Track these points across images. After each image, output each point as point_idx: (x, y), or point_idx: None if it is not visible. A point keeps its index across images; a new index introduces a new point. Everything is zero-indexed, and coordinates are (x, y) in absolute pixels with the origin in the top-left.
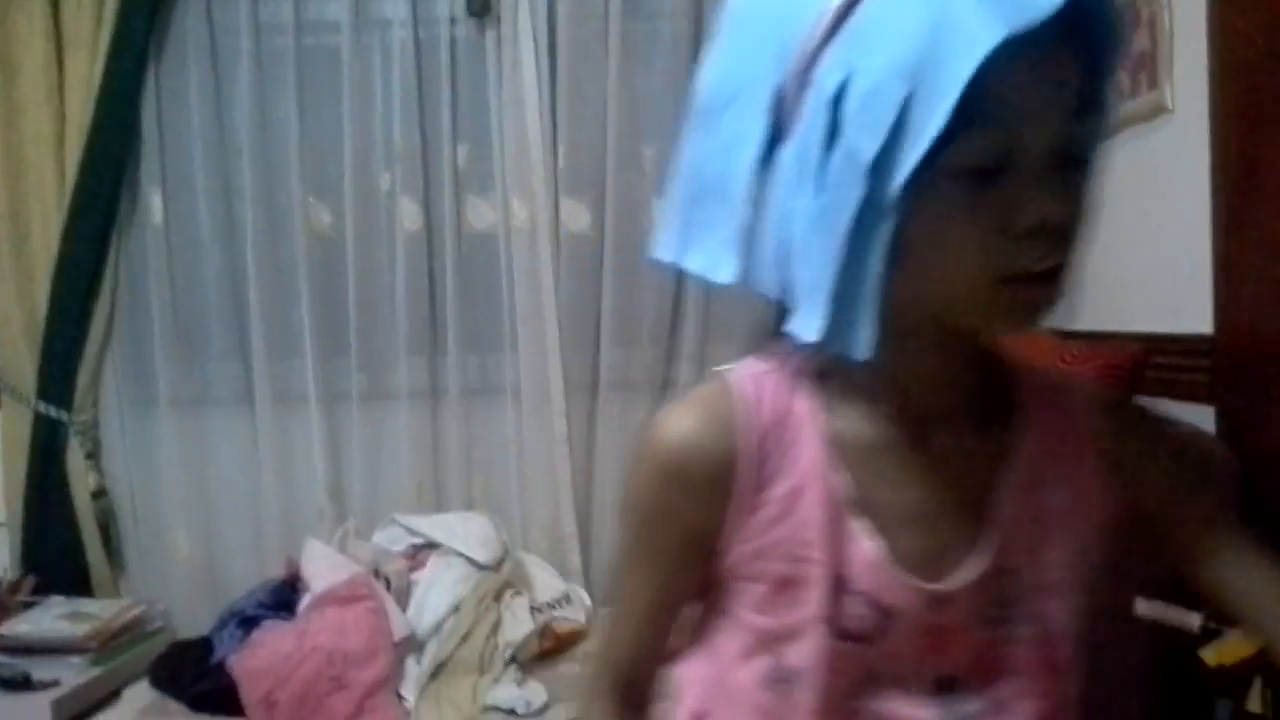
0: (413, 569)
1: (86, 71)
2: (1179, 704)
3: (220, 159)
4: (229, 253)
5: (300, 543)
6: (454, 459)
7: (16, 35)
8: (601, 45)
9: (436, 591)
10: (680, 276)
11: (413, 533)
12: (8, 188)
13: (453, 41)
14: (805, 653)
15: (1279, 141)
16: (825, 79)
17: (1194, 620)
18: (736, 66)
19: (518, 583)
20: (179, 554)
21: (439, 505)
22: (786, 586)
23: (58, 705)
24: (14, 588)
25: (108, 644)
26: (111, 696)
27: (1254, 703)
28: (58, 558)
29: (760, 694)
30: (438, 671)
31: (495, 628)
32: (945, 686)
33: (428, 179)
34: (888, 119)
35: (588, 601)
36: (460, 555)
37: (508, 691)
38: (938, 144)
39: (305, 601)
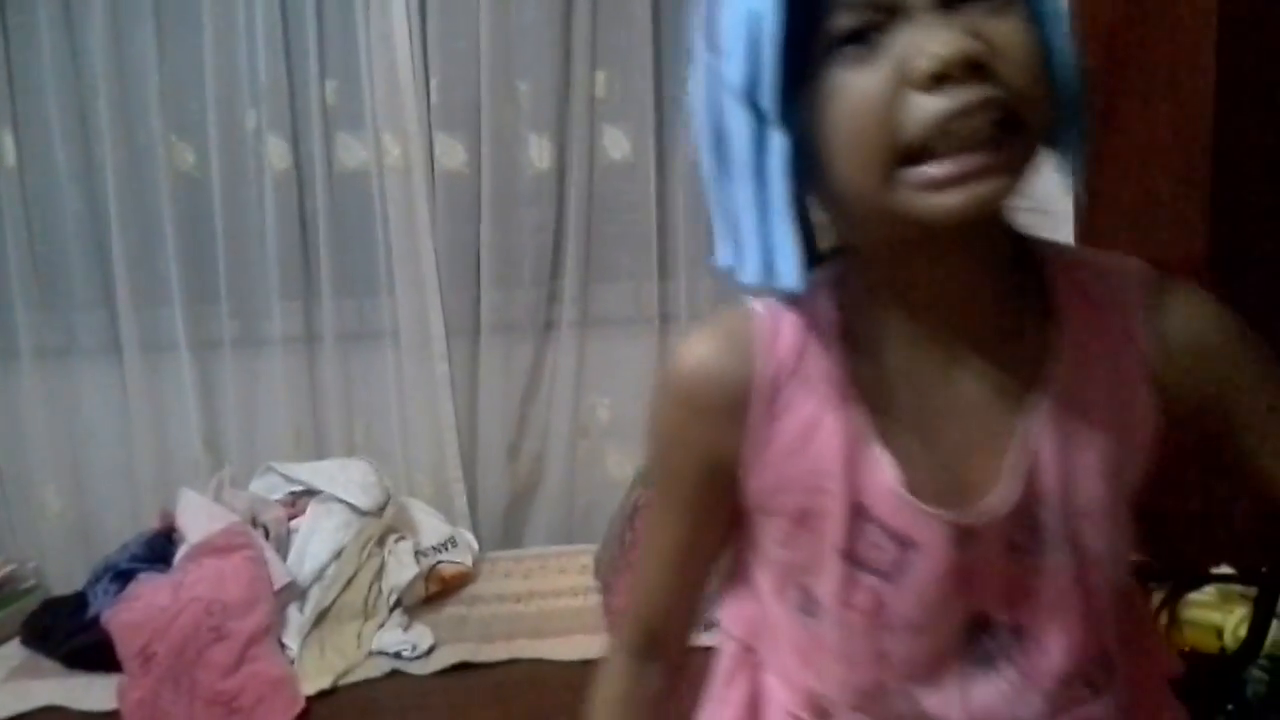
0: (292, 517)
1: None
2: None
3: (76, 97)
4: (89, 195)
5: (175, 495)
6: (333, 405)
7: None
8: None
9: (317, 538)
10: (560, 214)
11: (290, 480)
12: None
13: None
14: (825, 586)
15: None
16: (716, 31)
17: None
18: None
19: (401, 527)
20: (49, 510)
21: (319, 453)
22: (806, 519)
23: None
24: None
25: None
26: None
27: None
28: None
29: (796, 625)
30: (320, 619)
31: (379, 573)
32: (977, 626)
33: (295, 116)
34: (742, 43)
35: (474, 545)
36: (341, 501)
37: (393, 636)
38: (813, 23)
39: (181, 553)
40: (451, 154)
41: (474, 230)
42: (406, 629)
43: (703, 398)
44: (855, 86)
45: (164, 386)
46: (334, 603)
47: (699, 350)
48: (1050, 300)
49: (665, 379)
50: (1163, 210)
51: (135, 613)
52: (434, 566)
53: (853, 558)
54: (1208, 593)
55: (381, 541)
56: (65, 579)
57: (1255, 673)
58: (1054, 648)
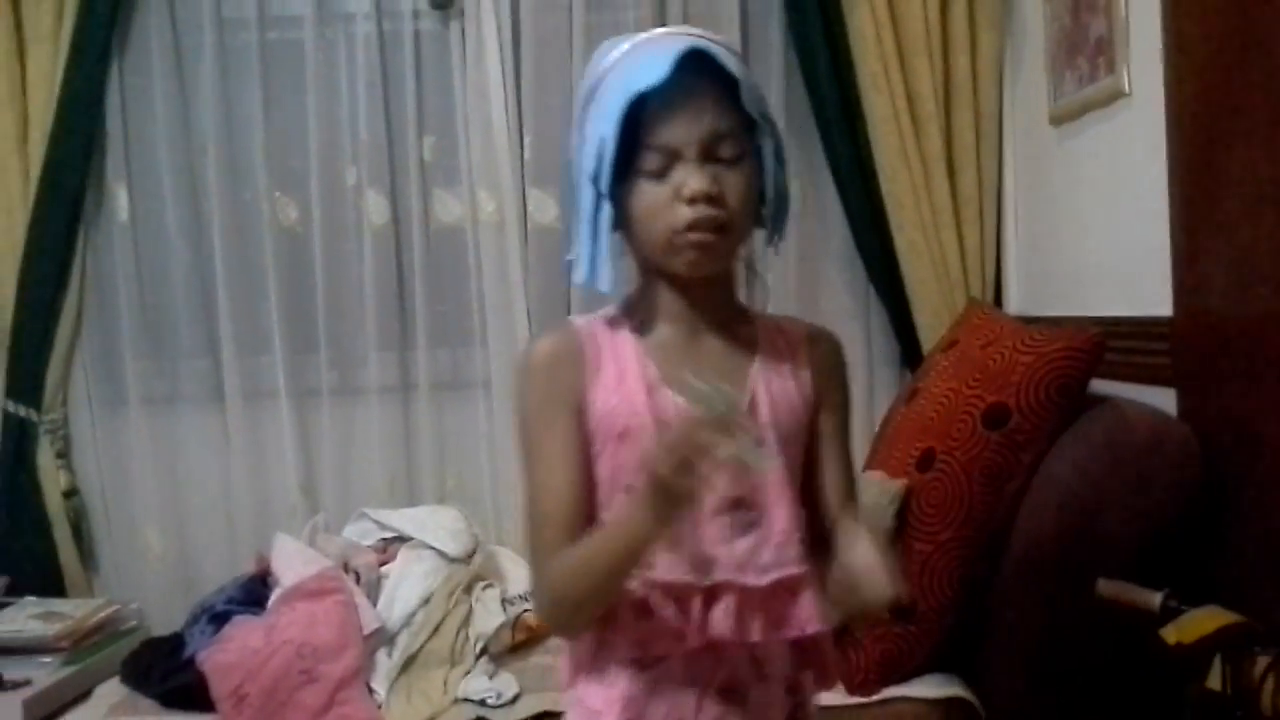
0: (383, 562)
1: (49, 68)
2: (1141, 684)
3: (186, 155)
4: (196, 249)
5: (272, 539)
6: (426, 453)
7: None
8: (565, 36)
9: (407, 584)
10: None
11: (382, 526)
12: None
13: (417, 35)
14: (641, 480)
15: (1235, 126)
16: (585, 132)
17: (1155, 599)
18: None
19: (489, 575)
20: (152, 552)
21: (411, 499)
22: (626, 435)
23: (29, 705)
24: None
25: (80, 643)
26: (84, 695)
27: (1214, 680)
28: (30, 558)
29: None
30: (408, 664)
31: (466, 620)
32: (735, 504)
33: (394, 172)
34: (594, 152)
35: None
36: (430, 548)
37: (479, 683)
38: (630, 158)
39: (275, 596)
40: (544, 209)
41: (565, 283)
42: (492, 677)
43: (554, 362)
44: (652, 194)
45: (264, 433)
46: (421, 649)
47: (545, 340)
48: (754, 323)
49: (526, 362)
50: (1262, 264)
51: (229, 654)
52: (520, 615)
53: None
54: None
55: (469, 588)
56: (165, 620)
57: None
58: (777, 520)
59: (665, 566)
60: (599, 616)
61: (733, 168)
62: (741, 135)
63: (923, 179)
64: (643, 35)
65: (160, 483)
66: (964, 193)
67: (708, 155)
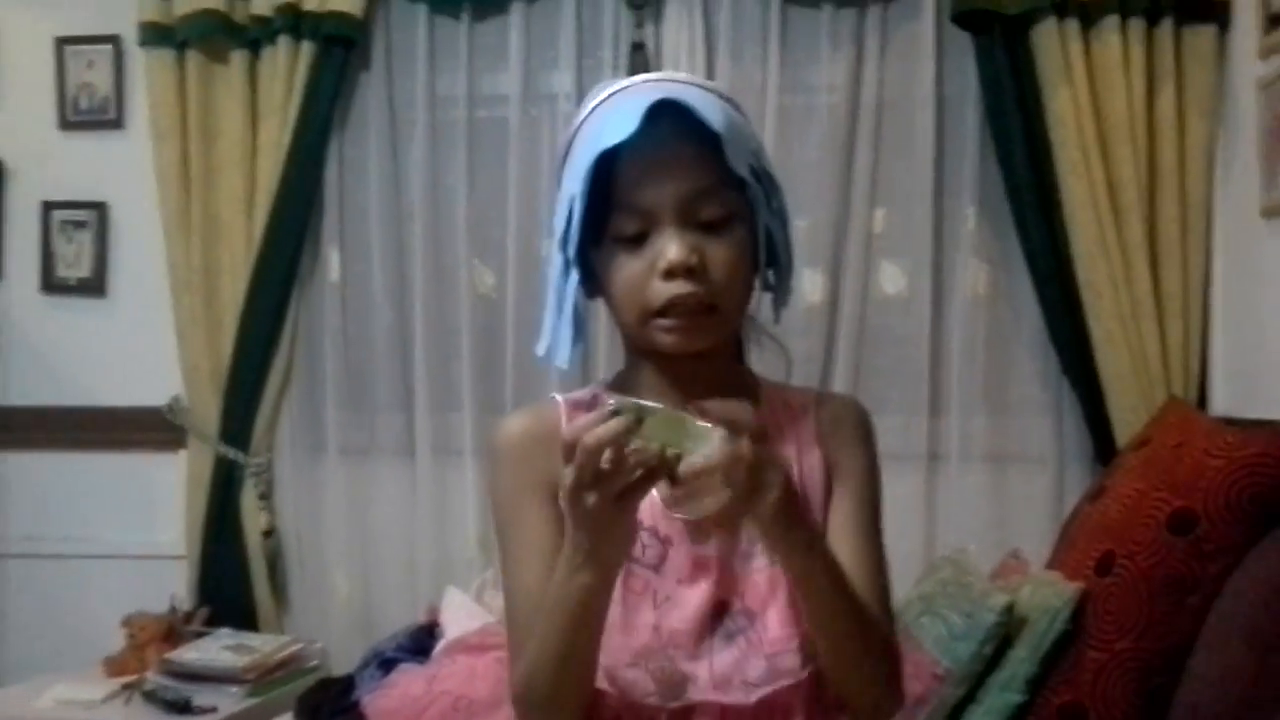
0: None
1: (277, 138)
2: None
3: (394, 222)
4: (398, 310)
5: (445, 590)
6: None
7: (218, 104)
8: (759, 119)
9: None
10: (830, 346)
11: None
12: (204, 244)
13: None
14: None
15: None
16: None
17: None
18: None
19: None
20: (339, 594)
21: None
22: None
23: None
24: (188, 617)
25: (264, 677)
26: None
27: None
28: (229, 592)
29: None
30: None
31: None
32: (721, 610)
33: None
34: (564, 213)
35: None
36: None
37: None
38: (602, 223)
39: (439, 647)
40: None
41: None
42: None
43: (525, 444)
44: (628, 266)
45: (449, 488)
46: None
47: (516, 420)
48: (757, 396)
49: (497, 444)
50: None
51: (391, 700)
52: None
53: (630, 555)
54: None
55: None
56: (345, 660)
57: None
58: (772, 624)
59: (627, 683)
60: None
61: (718, 233)
62: (729, 194)
63: (1122, 269)
64: (624, 82)
65: (351, 529)
66: (1167, 285)
67: (687, 219)
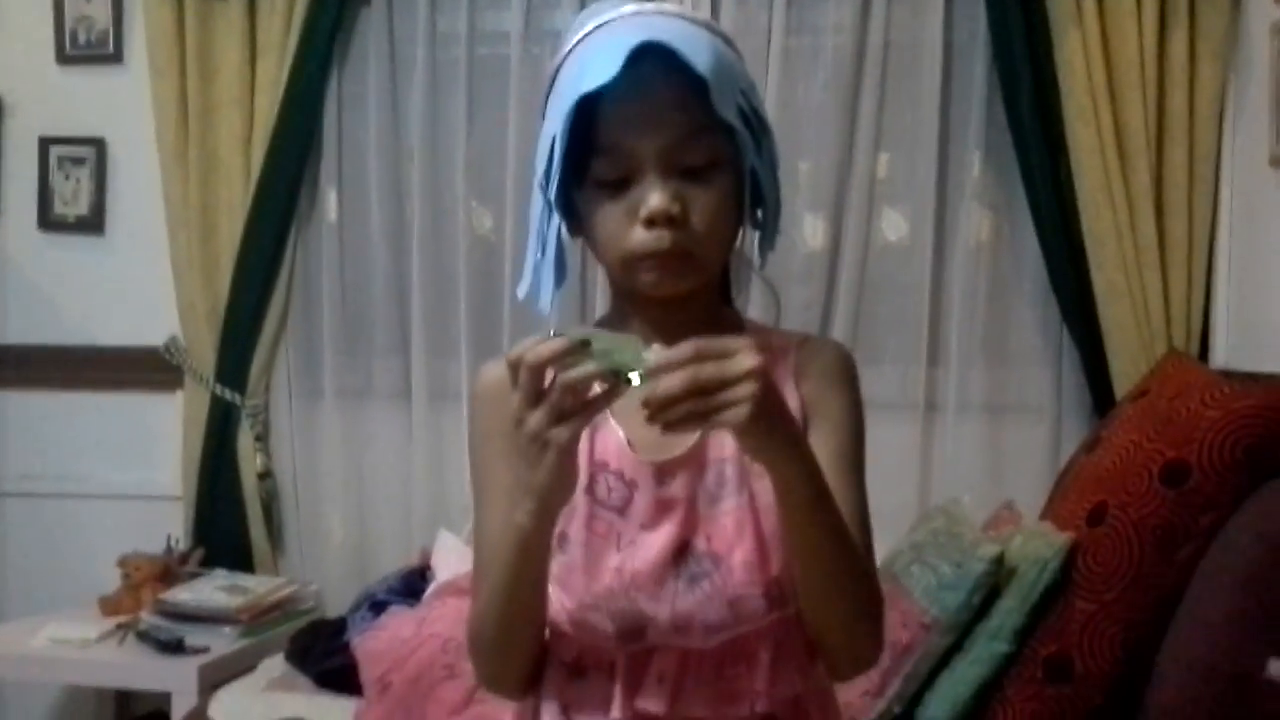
0: None
1: (275, 75)
2: None
3: (393, 161)
4: (396, 252)
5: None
6: None
7: (215, 40)
8: (763, 60)
9: None
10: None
11: None
12: (200, 183)
13: None
14: (576, 522)
15: None
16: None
17: None
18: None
19: None
20: (333, 537)
21: None
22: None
23: (204, 670)
24: (184, 558)
25: (258, 618)
26: (251, 667)
27: None
28: (225, 533)
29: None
30: None
31: None
32: (683, 551)
33: None
34: (544, 153)
35: None
36: None
37: None
38: (583, 165)
39: (430, 590)
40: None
41: (743, 305)
42: None
43: (501, 392)
44: (609, 211)
45: (445, 432)
46: None
47: (495, 367)
48: (740, 334)
49: (475, 390)
50: None
51: (380, 642)
52: None
53: (594, 497)
54: None
55: None
56: (340, 603)
57: None
58: (737, 568)
59: (588, 625)
60: (527, 676)
61: (701, 179)
62: (716, 138)
63: (1127, 218)
64: (609, 14)
65: (346, 472)
66: (1172, 235)
67: (670, 165)
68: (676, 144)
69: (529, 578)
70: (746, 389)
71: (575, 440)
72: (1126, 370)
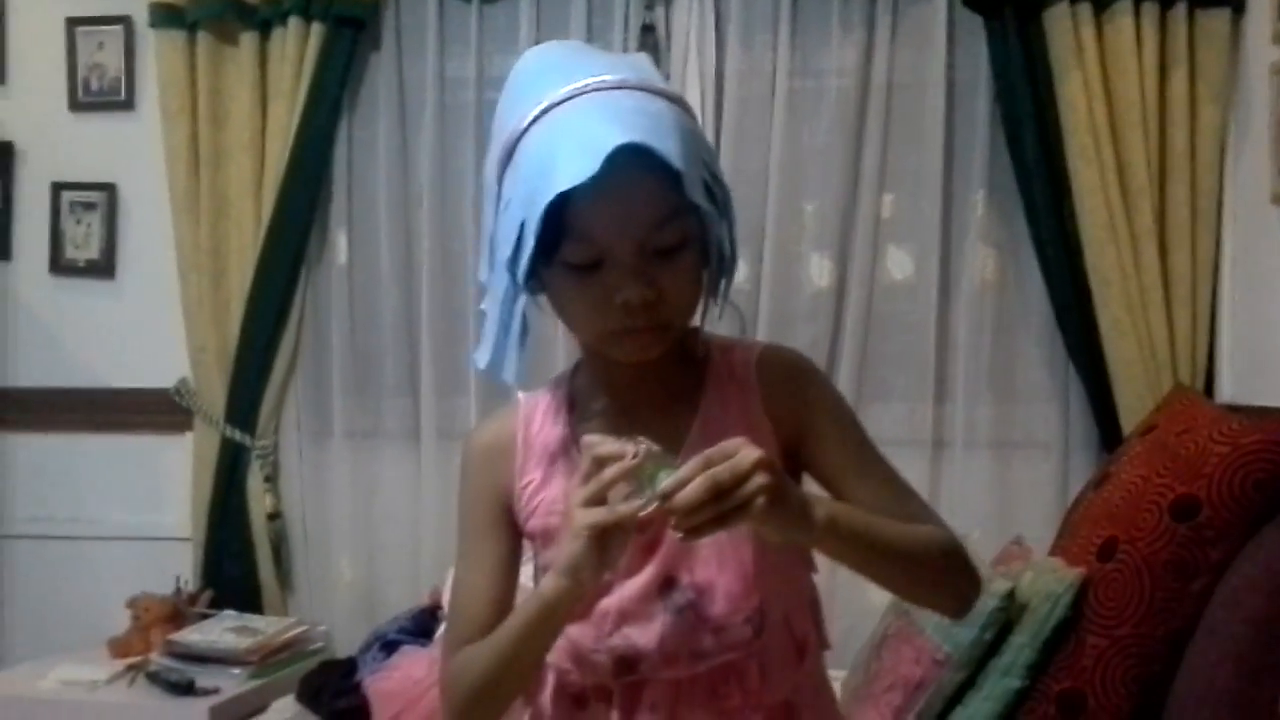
0: None
1: (286, 120)
2: None
3: (402, 205)
4: (406, 294)
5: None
6: None
7: (228, 85)
8: (768, 103)
9: None
10: (836, 332)
11: None
12: (211, 225)
13: None
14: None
15: None
16: (503, 195)
17: None
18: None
19: None
20: (343, 578)
21: None
22: (550, 535)
23: (215, 711)
24: (193, 599)
25: (267, 659)
26: (262, 708)
27: None
28: (234, 574)
29: None
30: None
31: None
32: (668, 585)
33: None
34: (512, 236)
35: None
36: None
37: None
38: (552, 248)
39: (441, 629)
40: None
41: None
42: None
43: (488, 456)
44: (580, 293)
45: (454, 472)
46: None
47: (484, 430)
48: (705, 373)
49: (464, 456)
50: None
51: (392, 682)
52: None
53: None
54: None
55: None
56: (350, 643)
57: None
58: (719, 599)
59: (587, 664)
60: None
61: (672, 258)
62: (686, 219)
63: (1131, 255)
64: (571, 86)
65: (356, 513)
66: (1176, 271)
67: (644, 252)
68: (649, 234)
69: (539, 646)
70: (759, 481)
71: (598, 528)
72: (1133, 405)
